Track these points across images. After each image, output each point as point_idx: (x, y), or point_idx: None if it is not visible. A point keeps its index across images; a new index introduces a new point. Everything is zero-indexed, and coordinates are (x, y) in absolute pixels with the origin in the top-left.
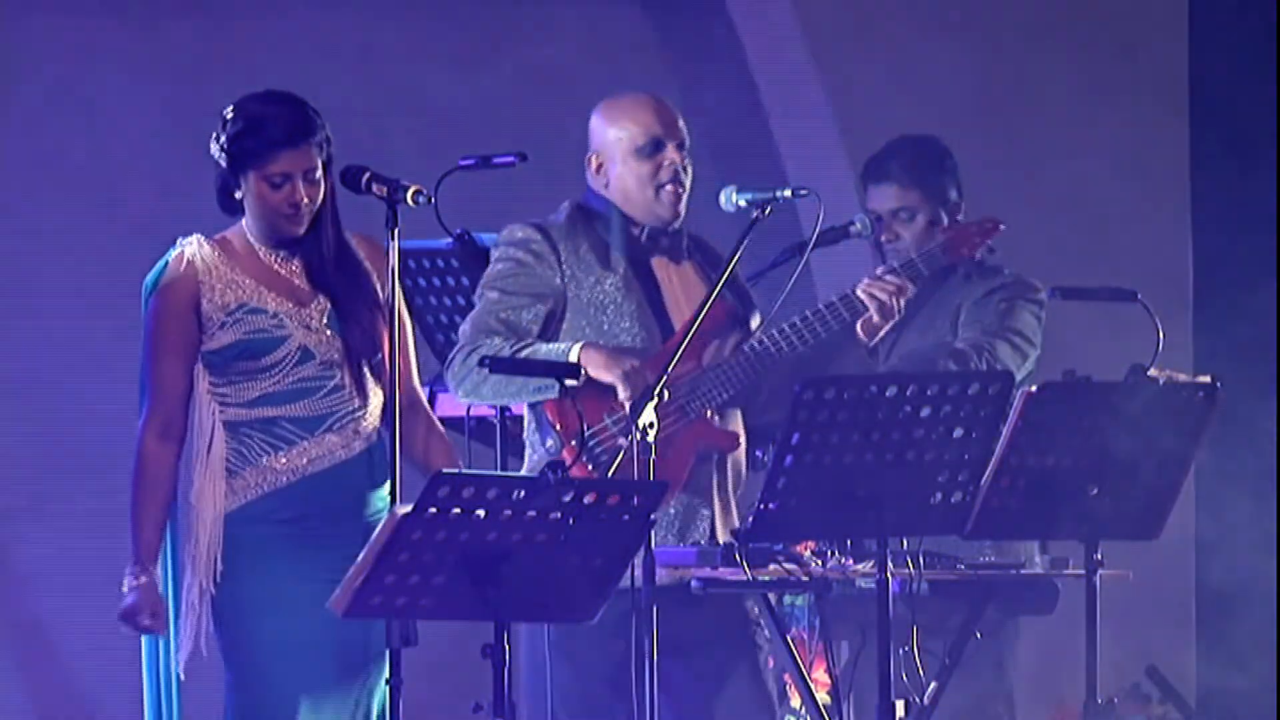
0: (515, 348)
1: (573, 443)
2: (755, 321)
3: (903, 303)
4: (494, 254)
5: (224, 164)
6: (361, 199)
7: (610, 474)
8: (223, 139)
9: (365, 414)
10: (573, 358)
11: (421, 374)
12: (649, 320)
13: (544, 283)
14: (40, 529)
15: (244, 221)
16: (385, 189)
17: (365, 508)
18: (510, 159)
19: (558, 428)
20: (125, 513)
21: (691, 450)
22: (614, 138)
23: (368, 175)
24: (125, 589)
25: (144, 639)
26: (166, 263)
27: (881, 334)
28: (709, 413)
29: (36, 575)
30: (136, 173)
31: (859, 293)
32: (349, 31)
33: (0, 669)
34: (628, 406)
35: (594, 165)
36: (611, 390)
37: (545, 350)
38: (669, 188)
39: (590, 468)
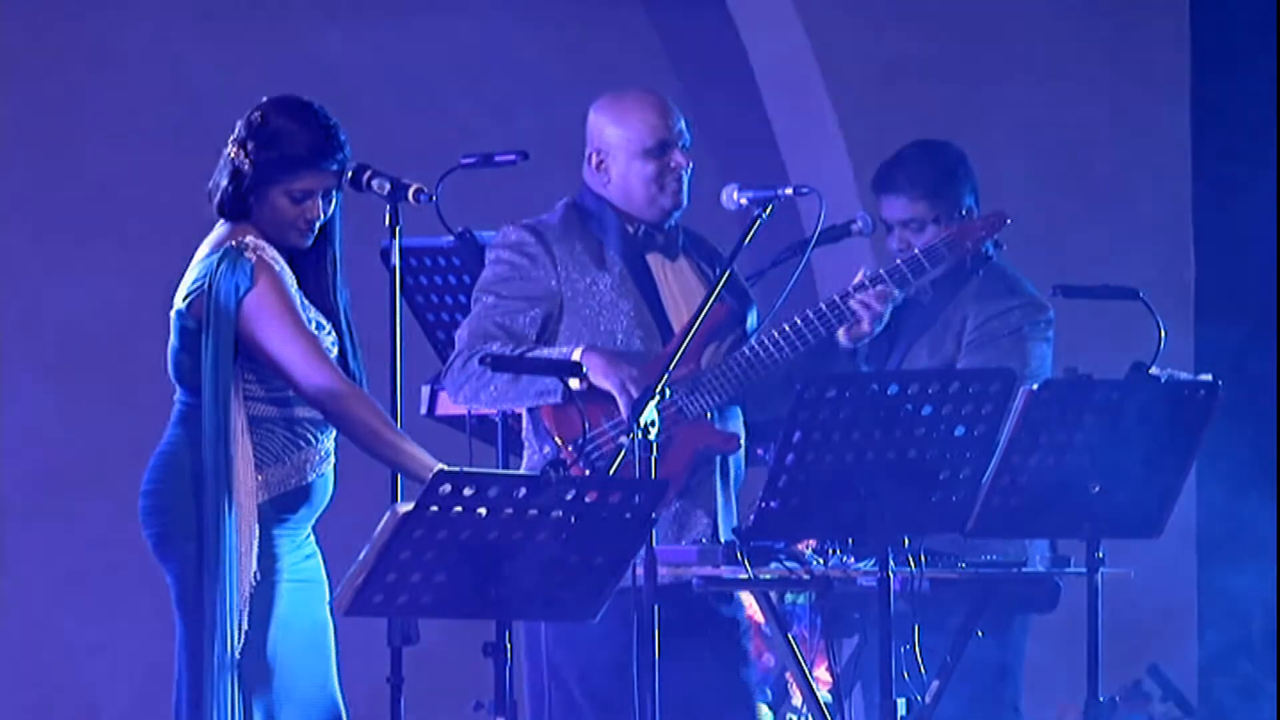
0: (515, 353)
1: (570, 448)
2: (753, 318)
3: (890, 309)
4: (488, 257)
5: (247, 171)
6: (362, 197)
7: (611, 473)
8: (250, 146)
9: None
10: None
11: (421, 373)
12: (646, 320)
13: (539, 285)
14: (41, 528)
15: (250, 226)
16: (387, 187)
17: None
18: (512, 157)
19: (556, 436)
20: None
21: (689, 451)
22: (618, 137)
23: (369, 173)
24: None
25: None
26: (250, 261)
27: (865, 340)
28: (708, 414)
29: (37, 575)
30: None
31: (852, 303)
32: (350, 29)
33: (1, 669)
34: (625, 412)
35: (594, 162)
36: (610, 396)
37: (545, 354)
38: (673, 188)
39: (588, 473)
